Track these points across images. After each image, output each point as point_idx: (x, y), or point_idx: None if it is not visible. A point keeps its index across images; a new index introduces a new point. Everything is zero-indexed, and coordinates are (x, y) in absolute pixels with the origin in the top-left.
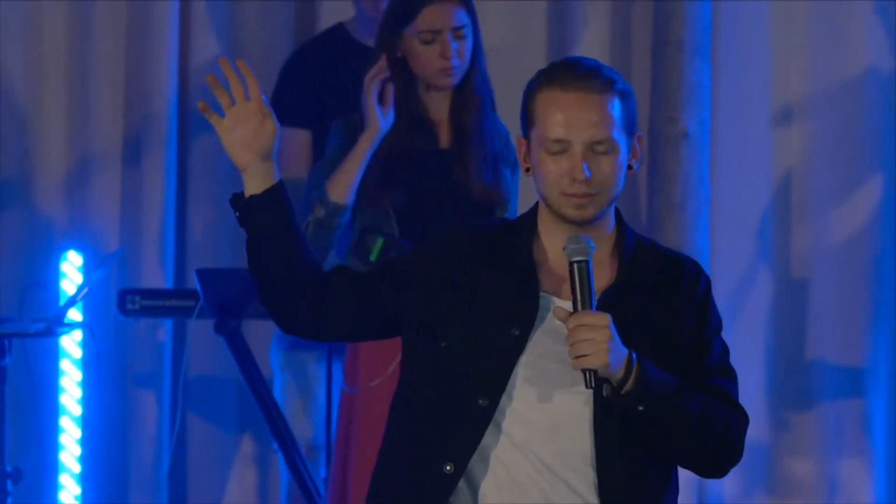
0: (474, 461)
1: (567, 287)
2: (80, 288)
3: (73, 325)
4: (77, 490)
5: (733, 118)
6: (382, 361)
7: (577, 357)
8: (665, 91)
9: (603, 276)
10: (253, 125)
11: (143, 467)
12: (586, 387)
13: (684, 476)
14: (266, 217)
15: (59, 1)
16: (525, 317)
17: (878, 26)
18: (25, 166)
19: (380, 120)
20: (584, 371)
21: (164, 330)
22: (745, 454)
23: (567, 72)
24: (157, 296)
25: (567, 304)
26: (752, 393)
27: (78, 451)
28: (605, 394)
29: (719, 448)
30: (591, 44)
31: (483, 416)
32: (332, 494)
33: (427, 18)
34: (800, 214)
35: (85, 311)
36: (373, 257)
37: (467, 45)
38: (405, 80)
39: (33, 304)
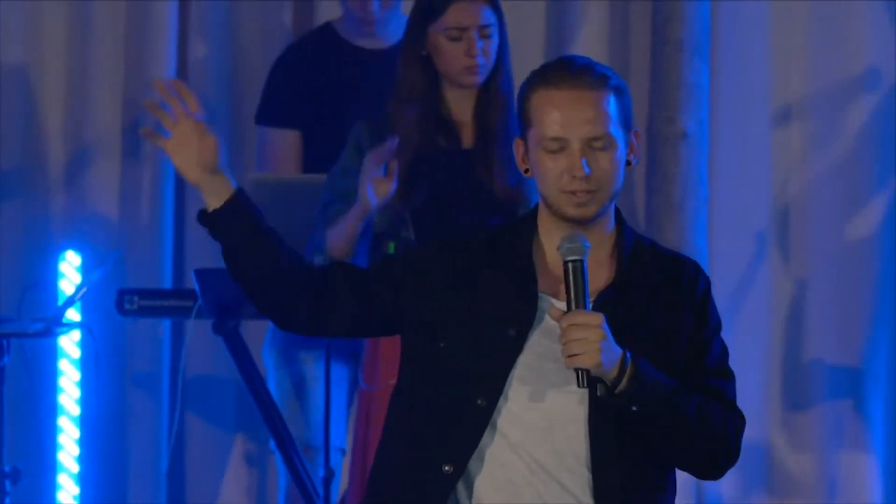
0: (472, 461)
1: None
2: (79, 288)
3: (71, 325)
4: (75, 490)
5: (732, 118)
6: None
7: (568, 356)
8: (664, 91)
9: (602, 276)
10: (194, 142)
11: (142, 467)
12: (578, 386)
13: (683, 476)
14: (232, 228)
15: (59, 1)
16: (523, 317)
17: (878, 26)
18: (25, 166)
19: (371, 201)
20: (576, 370)
21: (162, 329)
22: (744, 454)
23: (561, 70)
24: (156, 296)
25: (565, 305)
26: (751, 393)
27: (76, 450)
28: (598, 394)
29: (716, 449)
30: (590, 43)
31: (482, 416)
32: (353, 493)
33: (454, 15)
34: (799, 215)
35: (83, 311)
36: None
37: (493, 43)
38: (429, 78)
39: (32, 304)
